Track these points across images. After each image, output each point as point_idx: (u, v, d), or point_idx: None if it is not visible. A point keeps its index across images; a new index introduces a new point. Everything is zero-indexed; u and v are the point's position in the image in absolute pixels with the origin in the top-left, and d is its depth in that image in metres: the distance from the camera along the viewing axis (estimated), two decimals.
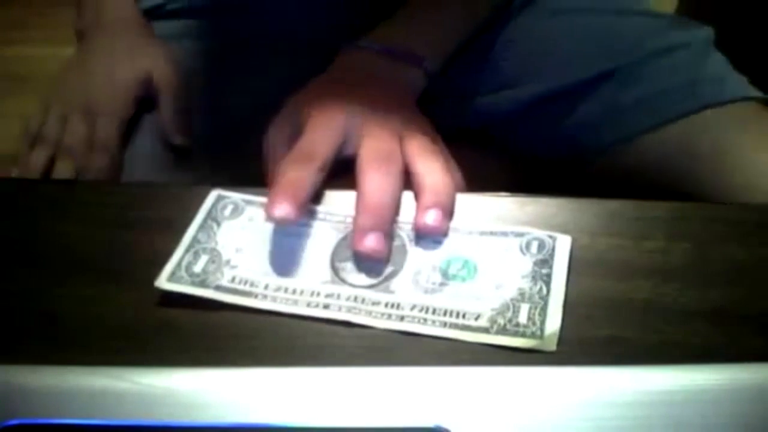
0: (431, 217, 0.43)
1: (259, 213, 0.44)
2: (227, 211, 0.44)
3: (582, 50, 0.65)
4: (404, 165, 0.46)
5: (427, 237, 0.43)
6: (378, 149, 0.46)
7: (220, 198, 0.45)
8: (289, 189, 0.43)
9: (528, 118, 0.65)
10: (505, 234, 0.43)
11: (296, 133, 0.49)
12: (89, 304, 0.41)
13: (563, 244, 0.42)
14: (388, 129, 0.48)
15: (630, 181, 0.63)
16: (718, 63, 0.65)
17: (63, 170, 0.61)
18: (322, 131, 0.48)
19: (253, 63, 0.66)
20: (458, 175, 0.48)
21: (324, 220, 0.44)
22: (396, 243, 0.43)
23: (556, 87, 0.64)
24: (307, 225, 0.44)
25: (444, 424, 0.33)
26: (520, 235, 0.43)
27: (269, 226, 0.44)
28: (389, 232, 0.43)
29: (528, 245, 0.42)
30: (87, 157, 0.61)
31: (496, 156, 0.67)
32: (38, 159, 0.62)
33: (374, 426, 0.33)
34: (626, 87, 0.63)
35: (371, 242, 0.42)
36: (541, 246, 0.42)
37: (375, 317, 0.39)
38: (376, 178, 0.44)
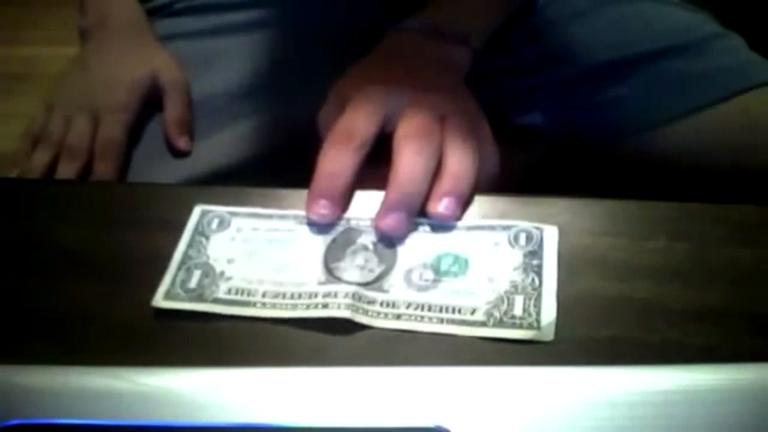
0: (443, 205, 0.43)
1: (246, 223, 0.44)
2: (214, 225, 0.44)
3: (630, 30, 0.68)
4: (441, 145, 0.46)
5: (416, 234, 0.43)
6: (416, 126, 0.46)
7: (204, 213, 0.45)
8: (326, 183, 0.44)
9: (572, 97, 0.67)
10: (492, 228, 0.43)
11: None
12: (89, 304, 0.41)
13: (551, 235, 0.42)
14: (429, 107, 0.48)
15: (678, 161, 0.64)
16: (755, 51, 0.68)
17: (66, 171, 0.61)
18: (363, 110, 0.48)
19: (265, 63, 0.66)
20: (491, 162, 0.49)
21: (312, 223, 0.44)
22: (385, 241, 0.43)
23: (600, 64, 0.66)
24: (296, 230, 0.44)
25: (444, 424, 0.33)
26: (508, 228, 0.43)
27: (258, 236, 0.44)
28: (414, 211, 0.43)
29: (516, 237, 0.42)
30: (91, 158, 0.61)
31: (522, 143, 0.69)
32: (41, 159, 0.62)
33: (374, 426, 0.33)
34: (684, 65, 0.65)
35: (392, 221, 0.43)
36: (529, 238, 0.42)
37: (372, 316, 0.39)
38: (410, 154, 0.45)
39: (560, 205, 0.45)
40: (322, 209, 0.44)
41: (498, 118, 0.67)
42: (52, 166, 0.62)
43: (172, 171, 0.60)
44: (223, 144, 0.62)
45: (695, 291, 0.40)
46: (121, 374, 0.34)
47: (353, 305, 0.39)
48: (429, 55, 0.55)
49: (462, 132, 0.47)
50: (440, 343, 0.38)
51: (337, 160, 0.45)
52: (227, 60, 0.66)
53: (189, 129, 0.63)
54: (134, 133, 0.63)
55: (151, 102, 0.64)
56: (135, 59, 0.65)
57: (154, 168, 0.61)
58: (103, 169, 0.60)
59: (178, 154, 0.62)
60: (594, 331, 0.38)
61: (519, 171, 0.66)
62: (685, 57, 0.65)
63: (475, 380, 0.35)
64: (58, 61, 0.70)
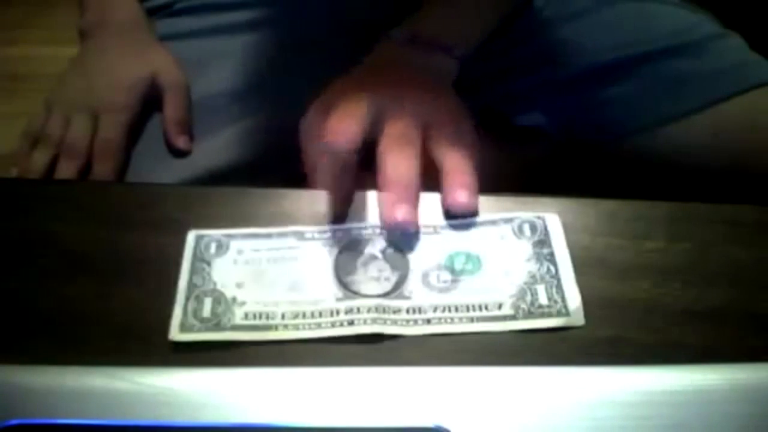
0: (460, 196, 0.44)
1: (245, 245, 0.43)
2: (212, 249, 0.43)
3: (630, 30, 0.68)
4: (423, 151, 0.46)
5: (421, 237, 0.43)
6: (396, 134, 0.47)
7: (199, 238, 0.43)
8: (331, 190, 0.45)
9: (572, 97, 0.67)
10: (494, 222, 0.43)
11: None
12: (89, 303, 0.41)
13: (554, 222, 0.43)
14: (410, 115, 0.48)
15: (678, 161, 0.64)
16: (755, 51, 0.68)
17: (66, 171, 0.61)
18: (347, 117, 0.48)
19: (265, 62, 0.66)
20: (480, 162, 0.49)
21: (313, 239, 0.43)
22: (393, 248, 0.43)
23: (600, 64, 0.66)
24: (300, 247, 0.43)
25: (444, 424, 0.33)
26: (510, 220, 0.43)
27: (261, 256, 0.43)
28: (416, 205, 0.44)
29: (520, 229, 0.43)
30: (90, 158, 0.61)
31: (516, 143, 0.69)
32: (40, 159, 0.62)
33: (374, 426, 0.33)
34: (684, 65, 0.65)
35: (401, 213, 0.43)
36: (533, 228, 0.43)
37: (401, 325, 0.39)
38: (394, 157, 0.45)
39: (560, 205, 0.45)
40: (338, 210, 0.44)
41: (498, 118, 0.67)
42: (52, 166, 0.62)
43: (172, 171, 0.60)
44: (222, 144, 0.62)
45: (695, 291, 0.40)
46: (121, 374, 0.34)
47: (379, 318, 0.39)
48: (412, 64, 0.56)
49: (448, 133, 0.48)
50: (440, 343, 0.38)
51: (330, 167, 0.46)
52: (227, 60, 0.66)
53: (188, 129, 0.63)
54: (134, 133, 0.63)
55: (151, 102, 0.64)
56: (135, 59, 0.65)
57: (154, 168, 0.61)
58: (103, 170, 0.60)
59: (178, 153, 0.62)
60: (594, 331, 0.38)
61: (519, 171, 0.67)
62: (685, 57, 0.66)
63: (475, 380, 0.35)
64: (58, 61, 0.69)
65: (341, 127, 0.47)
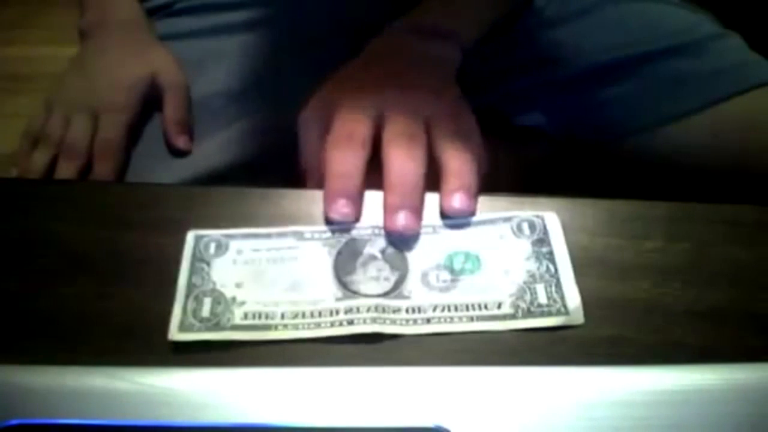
0: (457, 201, 0.44)
1: (245, 245, 0.43)
2: (212, 250, 0.43)
3: (630, 30, 0.68)
4: (428, 147, 0.46)
5: (421, 237, 0.43)
6: (401, 129, 0.47)
7: (199, 238, 0.43)
8: (340, 184, 0.44)
9: (572, 97, 0.67)
10: (493, 221, 0.43)
11: (328, 120, 0.49)
12: (89, 303, 0.41)
13: (553, 221, 0.43)
14: (412, 109, 0.48)
15: (677, 161, 0.64)
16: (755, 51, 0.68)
17: (66, 171, 0.61)
18: (355, 111, 0.48)
19: (265, 62, 0.66)
20: (479, 157, 0.49)
21: (312, 239, 0.43)
22: (392, 247, 0.43)
23: (600, 64, 0.66)
24: (299, 247, 0.43)
25: (444, 424, 0.33)
26: (508, 219, 0.43)
27: (260, 256, 0.42)
28: (419, 209, 0.44)
29: (519, 228, 0.43)
30: (90, 158, 0.61)
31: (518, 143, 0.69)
32: (40, 159, 0.62)
33: (374, 426, 0.33)
34: (684, 65, 0.65)
35: (402, 220, 0.43)
36: (532, 226, 0.43)
37: (401, 325, 0.39)
38: (400, 157, 0.45)
39: (559, 205, 0.45)
40: (343, 208, 0.43)
41: (498, 118, 0.67)
42: (52, 166, 0.62)
43: (172, 171, 0.60)
44: (222, 144, 0.62)
45: (695, 291, 0.40)
46: (121, 374, 0.34)
47: (378, 318, 0.39)
48: (412, 54, 0.55)
49: (450, 130, 0.47)
50: (439, 342, 0.38)
51: (345, 161, 0.45)
52: (226, 60, 0.66)
53: (188, 129, 0.63)
54: (134, 133, 0.63)
55: (151, 102, 0.64)
56: (135, 59, 0.65)
57: (154, 168, 0.61)
58: (103, 170, 0.60)
59: (178, 153, 0.62)
60: (594, 331, 0.38)
61: (519, 171, 0.67)
62: (685, 57, 0.66)
63: (475, 380, 0.35)
64: (58, 61, 0.69)
65: (350, 126, 0.47)
